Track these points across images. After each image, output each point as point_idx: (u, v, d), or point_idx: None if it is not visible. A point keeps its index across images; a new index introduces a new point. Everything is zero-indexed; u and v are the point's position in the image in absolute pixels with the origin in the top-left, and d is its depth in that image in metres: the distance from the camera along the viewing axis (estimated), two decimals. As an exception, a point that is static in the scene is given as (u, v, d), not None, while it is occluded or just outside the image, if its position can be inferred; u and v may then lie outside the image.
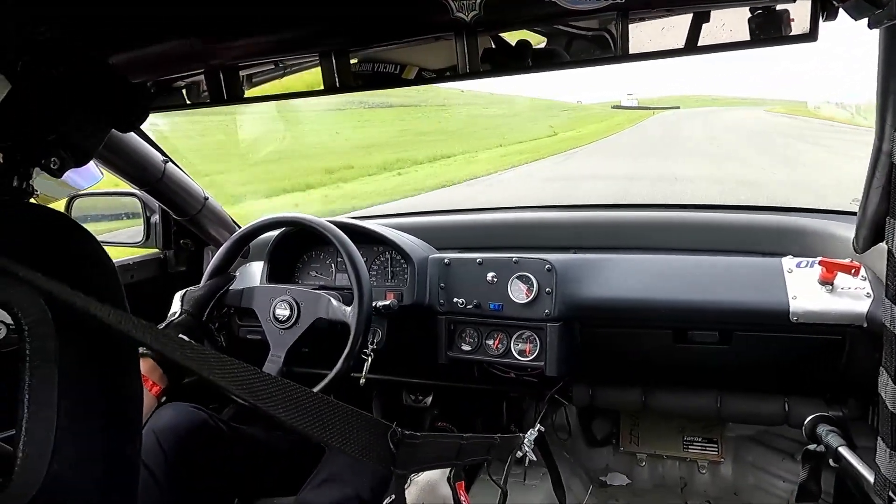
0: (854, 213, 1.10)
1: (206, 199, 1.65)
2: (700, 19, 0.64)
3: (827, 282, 1.19)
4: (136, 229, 1.72)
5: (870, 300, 1.15)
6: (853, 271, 1.17)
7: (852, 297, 1.17)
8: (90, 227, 0.89)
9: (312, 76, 0.83)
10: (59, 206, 1.60)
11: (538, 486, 1.72)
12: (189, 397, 1.26)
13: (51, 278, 0.45)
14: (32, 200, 0.73)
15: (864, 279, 1.18)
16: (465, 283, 1.41)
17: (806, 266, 1.24)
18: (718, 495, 1.71)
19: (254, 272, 1.64)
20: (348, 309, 1.23)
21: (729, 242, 1.49)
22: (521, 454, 1.26)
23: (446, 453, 0.87)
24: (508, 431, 1.77)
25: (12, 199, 0.67)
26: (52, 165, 0.69)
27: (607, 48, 0.68)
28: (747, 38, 0.63)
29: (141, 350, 0.84)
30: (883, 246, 0.74)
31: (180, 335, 1.06)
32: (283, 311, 1.27)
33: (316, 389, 1.13)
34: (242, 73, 0.81)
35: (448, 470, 1.16)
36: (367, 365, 1.29)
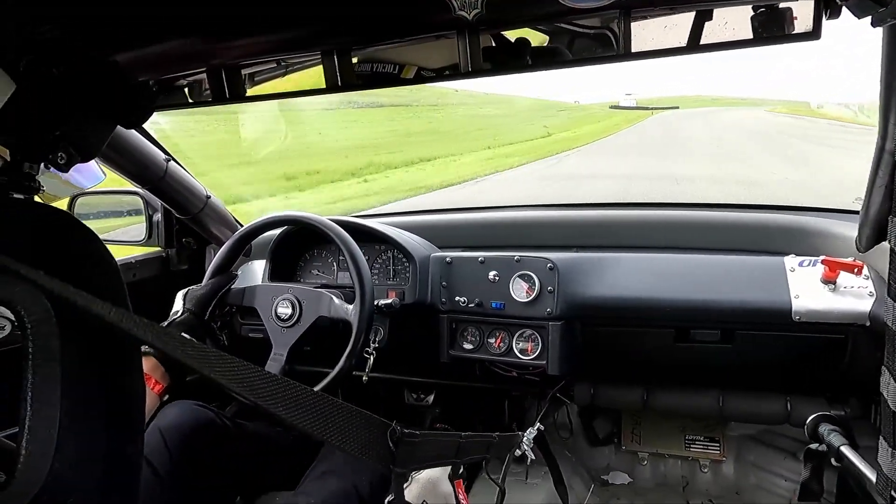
0: (856, 212, 1.10)
1: (209, 197, 1.65)
2: (703, 17, 0.64)
3: (829, 281, 1.18)
4: (138, 228, 1.73)
5: (872, 299, 1.15)
6: (856, 270, 1.17)
7: (855, 296, 1.16)
8: (93, 225, 0.90)
9: (314, 75, 0.83)
10: (62, 204, 1.60)
11: (539, 485, 1.72)
12: (192, 395, 1.26)
13: (52, 276, 0.45)
14: (37, 198, 0.73)
15: (867, 278, 1.17)
16: (466, 281, 1.41)
17: (808, 265, 1.24)
18: (720, 494, 1.71)
19: (256, 271, 1.65)
20: (350, 307, 1.23)
21: (731, 241, 1.48)
22: (519, 453, 1.26)
23: (445, 452, 0.87)
24: (510, 430, 1.78)
25: (13, 199, 0.67)
26: (59, 160, 0.70)
27: (610, 46, 0.68)
28: (750, 36, 0.63)
29: (143, 348, 0.85)
30: (885, 245, 0.74)
31: (182, 333, 1.07)
32: (285, 310, 1.27)
33: (317, 388, 1.14)
34: (244, 71, 0.82)
35: (449, 468, 1.16)
36: (370, 362, 1.29)
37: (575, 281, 1.33)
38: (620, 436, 1.80)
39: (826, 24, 0.59)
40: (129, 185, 1.57)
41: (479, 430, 1.03)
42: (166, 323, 1.26)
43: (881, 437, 0.74)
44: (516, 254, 1.37)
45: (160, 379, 1.04)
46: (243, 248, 1.40)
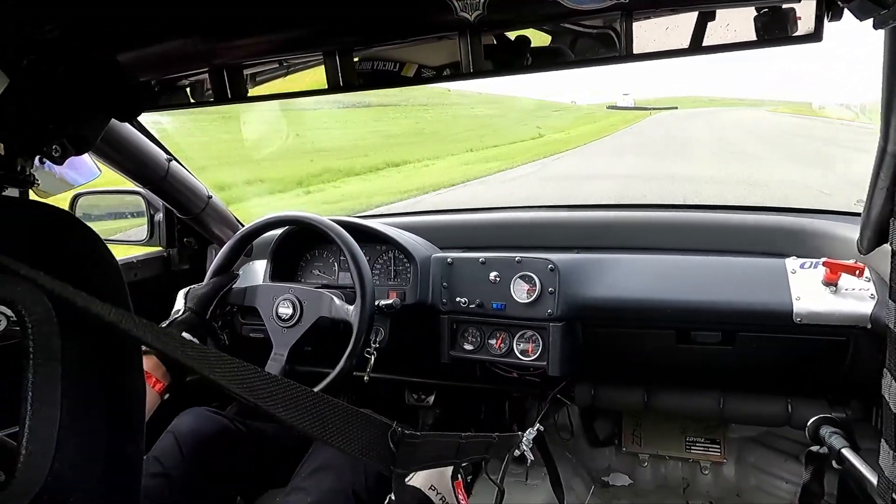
0: (858, 214, 1.10)
1: (210, 197, 1.65)
2: (705, 19, 0.64)
3: (831, 283, 1.18)
4: (139, 227, 1.73)
5: (874, 301, 1.14)
6: (857, 272, 1.16)
7: (856, 298, 1.16)
8: (94, 224, 0.90)
9: (316, 75, 0.83)
10: (63, 203, 1.60)
11: (539, 486, 1.72)
12: (192, 394, 1.26)
13: (52, 276, 0.45)
14: (32, 195, 0.74)
15: (868, 280, 1.17)
16: (467, 282, 1.41)
17: (809, 267, 1.23)
18: (721, 496, 1.71)
19: (257, 271, 1.65)
20: (351, 308, 1.23)
21: (733, 243, 1.48)
22: (518, 453, 1.26)
23: (445, 452, 0.87)
24: (510, 431, 1.78)
25: (13, 198, 0.67)
26: (53, 153, 0.70)
27: (612, 47, 0.68)
28: (753, 38, 0.63)
29: (144, 347, 0.85)
30: (887, 247, 0.73)
31: (183, 333, 1.07)
32: (285, 310, 1.28)
33: (318, 388, 1.14)
34: (246, 71, 0.82)
35: None
36: (370, 363, 1.29)
37: (576, 282, 1.33)
38: (621, 437, 1.80)
39: (828, 26, 0.59)
40: (130, 185, 1.57)
41: (477, 430, 1.03)
42: (168, 322, 1.27)
43: (882, 440, 0.73)
44: (517, 255, 1.37)
45: (161, 378, 1.05)
46: (244, 247, 1.41)
